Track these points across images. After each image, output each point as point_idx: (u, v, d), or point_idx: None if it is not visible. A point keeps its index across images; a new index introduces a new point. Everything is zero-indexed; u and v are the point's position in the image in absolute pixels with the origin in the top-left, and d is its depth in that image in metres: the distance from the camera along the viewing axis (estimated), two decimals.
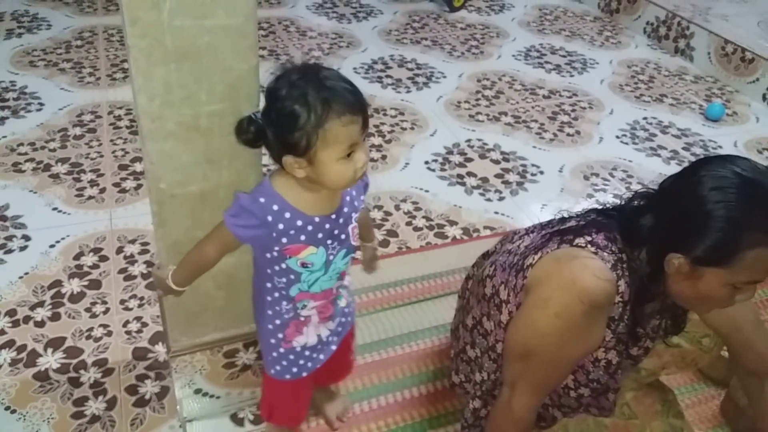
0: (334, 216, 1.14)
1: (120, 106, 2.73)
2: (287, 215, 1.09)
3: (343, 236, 1.17)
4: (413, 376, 1.68)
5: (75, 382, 1.60)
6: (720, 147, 2.89)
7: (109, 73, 2.99)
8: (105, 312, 1.79)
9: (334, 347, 1.34)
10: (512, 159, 2.65)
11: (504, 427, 1.25)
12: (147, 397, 1.58)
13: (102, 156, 2.43)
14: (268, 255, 1.14)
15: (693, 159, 2.79)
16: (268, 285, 1.19)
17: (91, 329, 1.74)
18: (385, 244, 2.13)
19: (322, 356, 1.32)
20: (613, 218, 1.17)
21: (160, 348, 1.69)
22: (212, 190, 1.27)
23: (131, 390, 1.59)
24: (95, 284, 1.88)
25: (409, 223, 2.24)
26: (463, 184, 2.48)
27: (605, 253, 1.10)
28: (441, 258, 2.09)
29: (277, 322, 1.24)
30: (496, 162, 2.63)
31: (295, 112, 0.99)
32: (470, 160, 2.62)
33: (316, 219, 1.11)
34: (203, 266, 1.21)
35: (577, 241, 1.13)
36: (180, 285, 1.22)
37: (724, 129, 3.05)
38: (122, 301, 1.83)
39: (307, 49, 3.40)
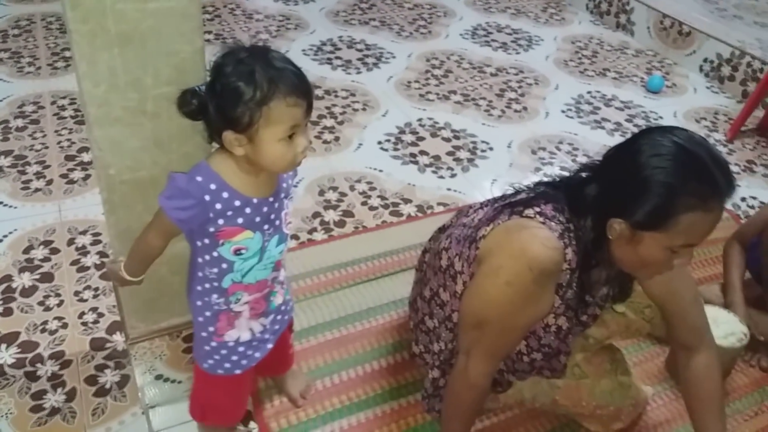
0: (271, 199, 1.14)
1: (63, 95, 2.66)
2: (225, 195, 1.07)
3: (277, 221, 1.16)
4: (373, 350, 1.72)
5: (32, 376, 1.58)
6: (661, 118, 3.00)
7: (50, 62, 2.90)
8: (59, 304, 1.77)
9: (270, 345, 1.32)
10: (462, 136, 2.70)
11: (461, 393, 1.30)
12: (107, 386, 1.57)
13: (47, 147, 2.37)
14: (200, 243, 1.13)
15: (636, 130, 2.88)
16: (200, 274, 1.17)
17: (45, 322, 1.71)
18: (341, 224, 2.15)
19: (257, 354, 1.30)
20: (561, 189, 1.22)
21: (118, 337, 1.68)
22: (162, 175, 1.26)
23: (91, 380, 1.58)
24: (47, 277, 1.85)
25: (364, 203, 2.26)
26: (416, 162, 2.51)
27: (553, 223, 1.15)
28: (397, 235, 2.12)
29: (207, 314, 1.21)
30: (447, 140, 2.67)
31: (241, 87, 0.99)
32: (422, 138, 2.66)
33: (255, 200, 1.10)
34: (151, 255, 1.20)
35: (526, 212, 1.17)
36: (134, 275, 1.22)
37: (664, 100, 3.17)
38: (76, 293, 1.81)
39: (254, 31, 3.37)
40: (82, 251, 1.94)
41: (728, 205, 2.49)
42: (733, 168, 2.69)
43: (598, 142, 2.74)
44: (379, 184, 2.37)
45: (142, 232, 1.18)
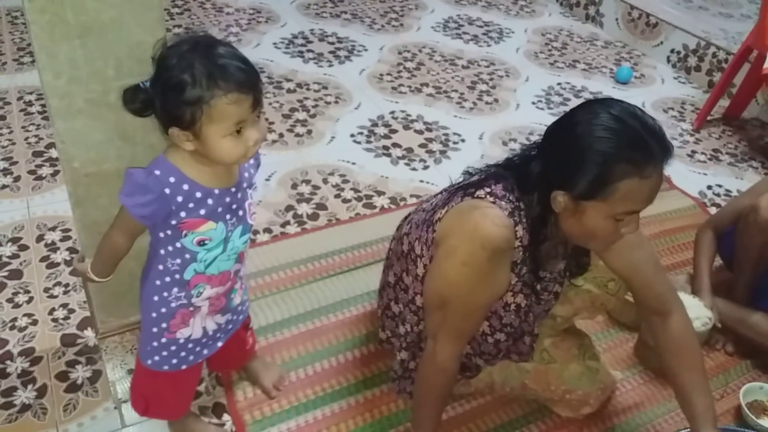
0: (234, 189, 1.13)
1: (30, 91, 2.62)
2: (185, 187, 1.06)
3: (240, 212, 1.15)
4: (347, 341, 1.73)
5: (2, 373, 1.56)
6: None
7: (15, 57, 2.86)
8: (29, 301, 1.75)
9: (220, 344, 1.31)
10: (435, 129, 2.72)
11: (430, 377, 1.32)
12: (79, 382, 1.56)
13: (14, 143, 2.33)
14: (162, 234, 1.11)
15: None
16: (160, 267, 1.15)
17: (15, 319, 1.69)
18: (314, 217, 2.16)
19: (205, 351, 1.29)
20: (510, 169, 1.25)
21: (89, 333, 1.67)
22: (127, 167, 1.26)
23: (62, 376, 1.57)
24: (16, 274, 1.83)
25: (337, 196, 2.27)
26: (389, 155, 2.52)
27: (503, 202, 1.18)
28: (370, 227, 2.13)
29: (163, 310, 1.19)
30: (420, 132, 2.68)
31: (181, 84, 0.96)
32: (395, 131, 2.67)
33: (216, 191, 1.09)
34: (117, 254, 1.18)
35: (477, 192, 1.20)
36: (101, 275, 1.21)
37: (632, 91, 3.22)
38: (46, 289, 1.79)
39: (225, 25, 3.34)
40: (52, 247, 1.92)
41: (695, 194, 2.55)
42: (700, 157, 2.75)
43: None
44: (352, 176, 2.37)
45: (107, 232, 1.16)
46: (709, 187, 2.57)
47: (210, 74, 0.96)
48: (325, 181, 2.33)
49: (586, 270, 1.40)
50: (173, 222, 1.09)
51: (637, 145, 1.06)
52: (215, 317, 1.25)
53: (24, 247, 1.92)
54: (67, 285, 1.81)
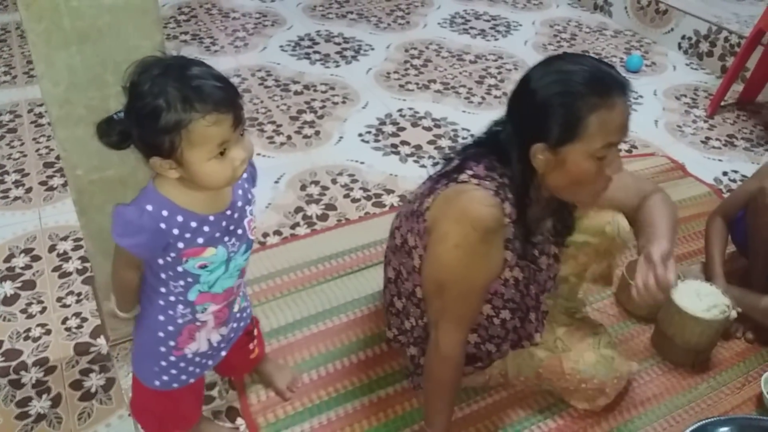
0: (229, 212, 1.09)
1: (40, 103, 2.64)
2: (180, 218, 1.02)
3: (239, 231, 1.12)
4: (359, 341, 1.72)
5: (16, 384, 1.57)
6: (641, 96, 3.00)
7: (25, 70, 2.89)
8: (42, 311, 1.76)
9: (224, 353, 1.30)
10: (443, 125, 2.70)
11: (436, 368, 1.32)
12: (93, 390, 1.57)
13: (25, 156, 2.36)
14: (162, 261, 1.07)
15: None
16: (162, 290, 1.12)
17: (28, 330, 1.71)
18: (324, 218, 2.15)
19: (210, 362, 1.28)
20: (485, 145, 1.27)
21: (102, 341, 1.68)
22: (131, 174, 1.26)
23: (76, 385, 1.57)
24: (29, 285, 1.84)
25: (346, 196, 2.26)
26: (398, 153, 2.51)
27: (486, 182, 1.20)
28: (380, 226, 2.11)
29: (170, 328, 1.16)
30: (428, 129, 2.67)
31: (156, 111, 0.92)
32: (403, 129, 2.65)
33: (211, 218, 1.06)
34: (131, 287, 1.16)
35: (461, 177, 1.22)
36: (128, 312, 1.20)
37: (644, 79, 3.17)
38: (59, 299, 1.80)
39: (231, 30, 3.35)
40: (64, 257, 1.94)
41: (710, 180, 2.50)
42: (714, 143, 2.70)
43: None
44: (360, 176, 2.36)
45: (113, 270, 1.15)
46: (725, 173, 2.52)
47: (185, 97, 0.92)
48: (334, 181, 2.33)
49: (573, 226, 1.41)
50: (172, 254, 1.06)
51: (595, 78, 1.11)
52: (220, 329, 1.24)
53: (36, 258, 1.93)
54: (79, 294, 1.82)
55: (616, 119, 1.12)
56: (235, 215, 1.11)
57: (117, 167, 1.25)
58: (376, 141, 2.57)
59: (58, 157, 2.34)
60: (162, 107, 0.92)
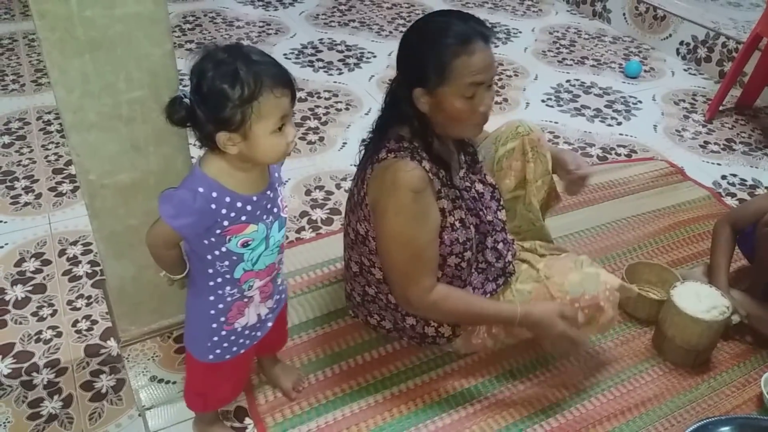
0: (269, 192, 1.18)
1: (48, 110, 2.69)
2: (228, 199, 1.10)
3: (275, 209, 1.21)
4: (364, 342, 1.74)
5: (28, 385, 1.60)
6: (640, 102, 3.04)
7: (33, 78, 2.93)
8: (53, 314, 1.79)
9: (270, 324, 1.38)
10: None
11: (442, 314, 1.50)
12: (103, 391, 1.59)
13: (34, 162, 2.39)
14: (206, 242, 1.15)
15: (615, 115, 2.94)
16: (210, 271, 1.20)
17: (40, 332, 1.74)
18: (328, 222, 2.18)
19: (259, 333, 1.36)
20: (385, 118, 1.42)
21: (112, 343, 1.71)
22: (142, 178, 1.30)
23: (87, 386, 1.60)
24: (40, 288, 1.87)
25: None
26: None
27: (401, 152, 1.36)
28: None
29: (221, 306, 1.24)
30: None
31: (227, 87, 1.01)
32: None
33: (254, 198, 1.14)
34: (176, 260, 1.22)
35: (379, 155, 1.38)
36: (181, 273, 1.24)
37: (642, 85, 3.20)
38: (69, 302, 1.83)
39: (236, 38, 3.40)
40: (74, 261, 1.97)
41: (709, 184, 2.52)
42: (713, 147, 2.73)
43: (578, 129, 2.78)
44: None
45: (154, 252, 1.19)
46: (724, 177, 2.55)
47: (255, 73, 1.02)
48: (338, 186, 2.36)
49: (477, 158, 1.59)
50: (217, 231, 1.13)
51: (450, 29, 1.29)
52: (266, 303, 1.32)
53: (47, 262, 1.97)
54: (89, 297, 1.85)
55: (477, 63, 1.28)
56: (272, 194, 1.20)
57: (128, 171, 1.29)
58: None
59: (67, 164, 2.38)
60: (234, 82, 1.01)
